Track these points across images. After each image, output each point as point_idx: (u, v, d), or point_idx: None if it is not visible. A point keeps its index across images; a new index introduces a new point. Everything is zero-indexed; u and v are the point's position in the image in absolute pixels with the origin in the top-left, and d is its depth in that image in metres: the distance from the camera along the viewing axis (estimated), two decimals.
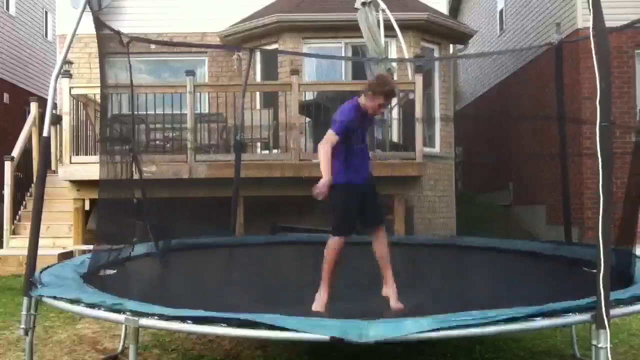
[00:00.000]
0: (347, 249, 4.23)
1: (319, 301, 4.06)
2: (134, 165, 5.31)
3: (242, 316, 2.86)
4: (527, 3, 13.44)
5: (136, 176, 5.41)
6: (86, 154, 9.06)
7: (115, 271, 4.61)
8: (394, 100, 9.87)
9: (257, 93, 10.94)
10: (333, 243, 4.18)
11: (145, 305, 3.09)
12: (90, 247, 6.01)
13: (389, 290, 4.14)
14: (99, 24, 4.53)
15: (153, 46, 9.89)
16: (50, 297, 3.45)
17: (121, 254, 4.87)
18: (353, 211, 4.25)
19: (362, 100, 4.31)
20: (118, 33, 4.98)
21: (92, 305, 3.21)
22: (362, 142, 4.42)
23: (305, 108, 9.13)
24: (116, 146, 7.79)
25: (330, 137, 4.28)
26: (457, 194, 12.07)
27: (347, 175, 4.27)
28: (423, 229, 10.50)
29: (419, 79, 8.78)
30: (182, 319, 2.92)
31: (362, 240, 4.38)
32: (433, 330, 2.71)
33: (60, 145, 9.34)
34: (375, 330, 2.69)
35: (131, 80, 5.62)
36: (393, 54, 10.69)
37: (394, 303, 4.06)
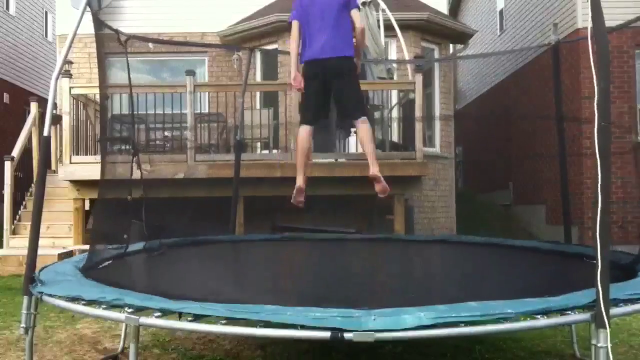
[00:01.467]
0: (340, 245, 4.23)
1: (296, 185, 4.45)
2: (133, 164, 5.31)
3: (239, 309, 2.85)
4: (527, 3, 13.44)
5: (136, 176, 5.41)
6: (86, 154, 9.07)
7: (111, 261, 4.61)
8: (394, 100, 9.89)
9: (257, 93, 10.95)
10: (300, 130, 4.36)
11: (145, 299, 3.08)
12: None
13: (374, 172, 4.54)
14: (99, 24, 4.53)
15: (152, 45, 9.90)
16: (50, 295, 3.45)
17: (119, 251, 4.87)
18: (313, 94, 4.34)
19: None
20: (116, 31, 4.98)
21: (91, 303, 3.20)
22: (322, 20, 4.38)
23: None
24: (116, 146, 7.81)
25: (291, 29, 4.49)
26: (457, 194, 12.07)
27: (306, 53, 4.41)
28: (423, 228, 10.51)
29: (419, 79, 8.79)
30: (183, 313, 2.92)
31: (356, 237, 4.38)
32: (431, 326, 2.70)
33: (60, 145, 9.35)
34: (375, 324, 2.68)
35: (129, 80, 5.62)
36: (393, 54, 10.70)
37: (378, 187, 4.55)
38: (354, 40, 4.44)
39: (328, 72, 4.25)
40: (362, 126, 4.29)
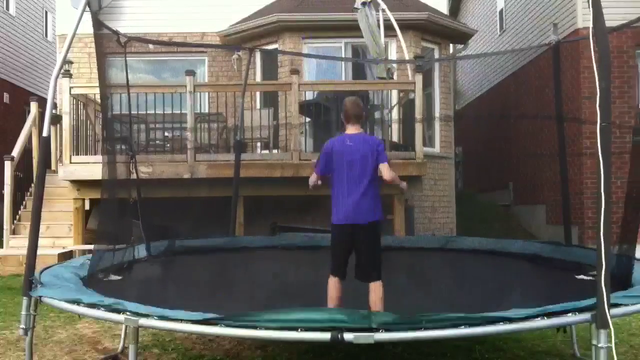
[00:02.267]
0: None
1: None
2: (132, 165, 5.31)
3: (243, 322, 2.85)
4: (527, 3, 13.44)
5: (134, 176, 5.42)
6: (86, 154, 9.06)
7: (120, 277, 4.61)
8: (394, 100, 9.89)
9: (257, 93, 10.95)
10: (329, 282, 4.26)
11: (144, 307, 3.08)
12: (90, 247, 6.01)
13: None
14: (98, 24, 4.53)
15: (151, 46, 9.89)
16: (50, 297, 3.45)
17: (122, 256, 4.87)
18: (339, 253, 4.28)
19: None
20: (116, 33, 4.98)
21: (91, 305, 3.20)
22: (349, 175, 4.30)
23: (305, 108, 9.14)
24: (116, 146, 7.80)
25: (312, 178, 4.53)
26: (457, 194, 12.07)
27: (334, 215, 4.35)
28: (423, 228, 10.50)
29: (418, 79, 8.78)
30: (183, 321, 2.92)
31: None
32: (432, 327, 2.71)
33: (60, 145, 9.34)
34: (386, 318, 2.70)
35: (127, 80, 5.62)
36: (393, 53, 10.69)
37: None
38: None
39: (356, 235, 4.27)
40: (376, 291, 4.19)
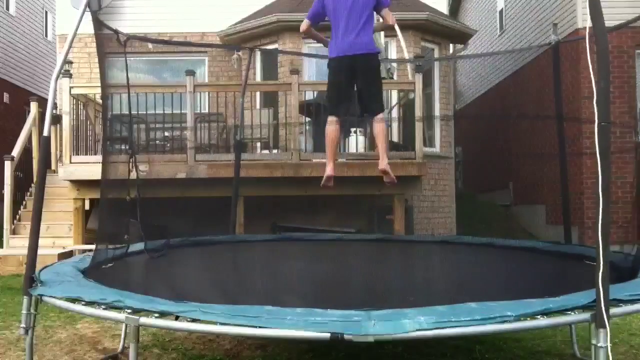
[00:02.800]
0: (339, 245, 4.23)
1: (326, 173, 4.71)
2: (131, 164, 5.31)
3: (237, 310, 2.84)
4: (527, 3, 13.44)
5: (134, 175, 5.42)
6: (86, 154, 9.07)
7: (112, 264, 4.61)
8: (394, 100, 9.89)
9: (257, 93, 10.95)
10: (328, 121, 4.61)
11: (145, 301, 3.08)
12: (90, 247, 6.02)
13: (384, 165, 4.74)
14: (98, 24, 4.53)
15: (152, 45, 9.90)
16: (50, 296, 3.45)
17: (119, 252, 4.87)
18: (338, 87, 4.55)
19: None
20: (116, 32, 4.98)
21: (92, 304, 3.20)
22: (350, 18, 4.54)
23: (305, 108, 9.14)
24: (116, 145, 7.81)
25: (303, 23, 4.87)
26: (457, 194, 12.07)
27: (335, 49, 4.62)
28: (423, 228, 10.51)
29: (418, 79, 8.79)
30: (183, 315, 2.91)
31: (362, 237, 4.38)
32: (432, 329, 2.70)
33: (60, 145, 9.35)
34: (375, 329, 2.68)
35: (127, 80, 5.62)
36: (393, 53, 10.69)
37: (387, 178, 4.85)
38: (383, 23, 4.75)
39: (356, 67, 4.52)
40: (380, 123, 4.58)
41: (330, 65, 4.68)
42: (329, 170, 4.84)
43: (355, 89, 4.81)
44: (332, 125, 4.52)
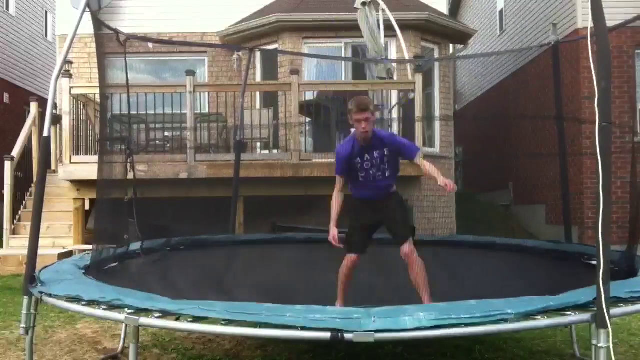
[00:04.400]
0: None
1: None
2: (129, 164, 5.31)
3: (239, 308, 2.84)
4: (527, 3, 13.44)
5: (131, 175, 5.42)
6: (86, 154, 9.06)
7: (115, 264, 4.61)
8: (394, 100, 9.89)
9: (257, 93, 10.95)
10: (345, 259, 4.28)
11: (145, 299, 3.08)
12: (90, 247, 6.02)
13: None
14: (98, 24, 4.53)
15: (151, 45, 9.89)
16: (50, 296, 3.45)
17: (118, 251, 4.88)
18: (360, 228, 4.31)
19: (353, 131, 4.40)
20: (115, 31, 4.98)
21: (92, 302, 3.20)
22: (373, 169, 4.35)
23: (305, 108, 9.14)
24: (115, 145, 7.80)
25: (336, 181, 4.46)
26: (457, 194, 12.06)
27: (357, 193, 4.43)
28: (423, 228, 10.50)
29: (418, 79, 8.78)
30: (183, 313, 2.91)
31: None
32: (431, 327, 2.70)
33: (60, 145, 9.34)
34: (375, 325, 2.68)
35: (127, 80, 5.62)
36: (393, 54, 10.69)
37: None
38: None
39: (383, 209, 4.34)
40: (408, 249, 4.13)
41: (351, 204, 4.44)
42: (339, 304, 4.27)
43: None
44: (348, 263, 4.20)
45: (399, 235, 4.21)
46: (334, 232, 4.25)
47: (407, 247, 4.13)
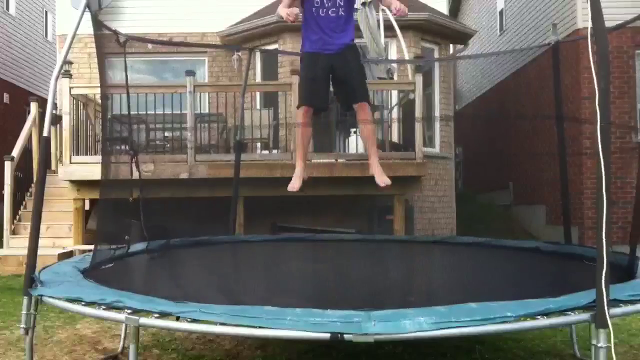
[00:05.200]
0: (339, 245, 4.21)
1: (294, 176, 4.36)
2: (132, 165, 5.31)
3: (239, 312, 2.84)
4: (527, 3, 13.44)
5: (135, 176, 5.41)
6: (86, 154, 9.06)
7: (112, 264, 4.61)
8: (394, 100, 9.89)
9: (257, 93, 10.96)
10: (297, 115, 4.22)
11: (145, 301, 3.08)
12: (90, 247, 6.02)
13: (374, 166, 4.41)
14: (98, 25, 4.53)
15: (150, 46, 9.89)
16: (50, 296, 3.45)
17: (119, 252, 4.87)
18: (314, 81, 4.20)
19: None
20: (115, 32, 4.97)
21: (92, 304, 3.20)
22: (333, 7, 4.25)
23: None
24: (116, 146, 7.80)
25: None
26: (457, 194, 12.07)
27: (311, 45, 4.27)
28: (423, 229, 10.51)
29: (418, 79, 8.79)
30: (183, 315, 2.91)
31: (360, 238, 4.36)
32: (432, 330, 2.70)
33: (60, 145, 9.35)
34: (375, 329, 2.68)
35: (127, 80, 5.62)
36: (393, 54, 10.69)
37: (378, 177, 4.43)
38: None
39: (338, 65, 4.25)
40: (363, 111, 4.17)
41: (303, 58, 4.34)
42: (298, 172, 4.44)
43: (332, 85, 4.45)
44: (304, 114, 4.11)
45: (354, 100, 4.17)
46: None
47: (365, 113, 4.17)
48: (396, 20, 9.50)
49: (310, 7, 4.27)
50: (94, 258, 4.40)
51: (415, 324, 2.68)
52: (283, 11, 4.23)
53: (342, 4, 4.32)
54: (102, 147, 5.80)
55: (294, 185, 4.49)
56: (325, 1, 4.26)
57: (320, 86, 4.26)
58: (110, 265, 4.58)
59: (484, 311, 2.80)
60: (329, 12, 4.27)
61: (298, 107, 4.25)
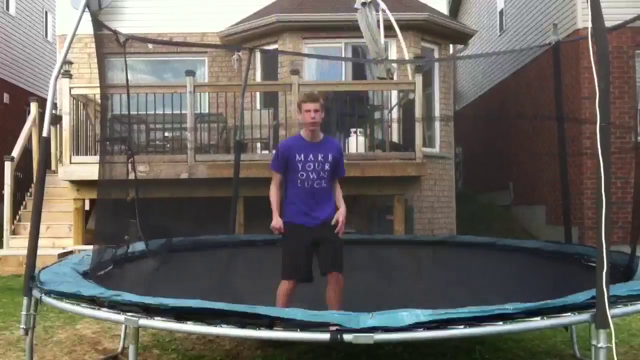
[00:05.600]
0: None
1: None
2: (131, 165, 5.31)
3: (243, 308, 2.84)
4: (527, 3, 13.44)
5: (132, 176, 5.41)
6: (86, 154, 9.06)
7: (115, 265, 4.61)
8: (394, 100, 9.88)
9: (257, 93, 10.95)
10: (280, 287, 4.14)
11: (146, 302, 3.08)
12: (90, 247, 6.02)
13: None
14: (97, 24, 4.53)
15: (151, 46, 9.89)
16: (50, 296, 3.45)
17: (118, 253, 4.87)
18: (297, 254, 4.16)
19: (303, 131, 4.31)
20: (114, 32, 4.97)
21: (91, 302, 3.20)
22: (313, 173, 4.22)
23: None
24: (115, 146, 7.80)
25: (273, 177, 4.37)
26: (457, 194, 12.07)
27: (292, 216, 4.24)
28: (423, 229, 10.50)
29: (418, 79, 8.79)
30: (183, 312, 2.91)
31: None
32: (431, 326, 2.70)
33: (60, 145, 9.35)
34: (372, 321, 2.68)
35: (127, 80, 5.62)
36: (393, 54, 10.69)
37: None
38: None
39: (320, 237, 4.19)
40: (335, 279, 4.15)
41: (285, 227, 4.26)
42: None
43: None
44: (283, 291, 4.06)
45: (327, 267, 4.15)
46: (279, 223, 4.22)
47: (337, 279, 4.13)
48: (396, 20, 9.52)
49: (294, 178, 4.25)
50: (94, 259, 4.40)
51: (412, 316, 2.69)
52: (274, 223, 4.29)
53: (326, 175, 4.27)
54: (100, 147, 5.80)
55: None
56: (310, 173, 4.23)
57: (306, 259, 4.21)
58: (111, 265, 4.58)
59: (484, 310, 2.80)
60: (314, 185, 4.24)
61: (282, 279, 4.17)
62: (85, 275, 4.02)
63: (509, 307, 2.78)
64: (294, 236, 4.21)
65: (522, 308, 2.80)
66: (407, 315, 2.71)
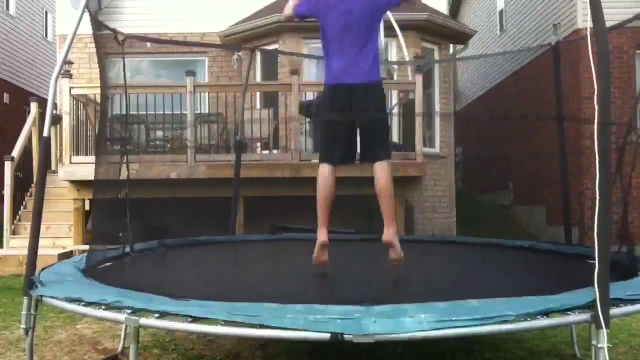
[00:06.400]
0: (339, 245, 4.17)
1: (318, 240, 3.67)
2: (122, 164, 5.30)
3: (239, 309, 2.84)
4: (527, 3, 13.44)
5: (125, 174, 5.41)
6: (86, 154, 9.06)
7: (112, 263, 4.60)
8: (394, 100, 9.89)
9: (257, 93, 10.96)
10: (319, 173, 3.54)
11: (145, 300, 3.08)
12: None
13: (389, 236, 3.66)
14: (97, 24, 4.53)
15: (150, 45, 9.90)
16: (50, 296, 3.45)
17: (119, 251, 4.88)
18: (330, 127, 3.58)
19: None
20: (114, 31, 4.97)
21: (92, 303, 3.20)
22: (348, 32, 3.63)
23: (305, 108, 9.14)
24: (115, 146, 7.80)
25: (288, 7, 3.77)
26: (457, 194, 12.08)
27: (328, 73, 3.65)
28: (423, 228, 10.51)
29: (418, 79, 8.79)
30: (182, 314, 2.91)
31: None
32: (432, 329, 2.70)
33: (60, 145, 9.36)
34: (375, 327, 2.68)
35: (125, 80, 5.62)
36: (393, 54, 10.70)
37: (393, 253, 3.70)
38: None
39: (353, 100, 3.60)
40: (382, 169, 3.53)
41: (324, 96, 3.73)
42: (322, 237, 3.69)
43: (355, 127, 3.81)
44: (326, 175, 3.45)
45: (372, 158, 3.56)
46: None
47: (383, 174, 3.51)
48: (396, 20, 9.52)
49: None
50: (92, 257, 4.40)
51: (416, 322, 2.69)
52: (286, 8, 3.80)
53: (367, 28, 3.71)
54: (96, 147, 5.81)
55: (318, 257, 3.76)
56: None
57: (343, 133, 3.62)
58: (110, 264, 4.58)
59: (485, 308, 2.80)
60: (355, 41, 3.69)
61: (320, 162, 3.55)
62: (85, 271, 4.02)
63: (511, 314, 2.78)
64: (330, 100, 3.67)
65: (524, 313, 2.81)
66: (410, 322, 2.71)
